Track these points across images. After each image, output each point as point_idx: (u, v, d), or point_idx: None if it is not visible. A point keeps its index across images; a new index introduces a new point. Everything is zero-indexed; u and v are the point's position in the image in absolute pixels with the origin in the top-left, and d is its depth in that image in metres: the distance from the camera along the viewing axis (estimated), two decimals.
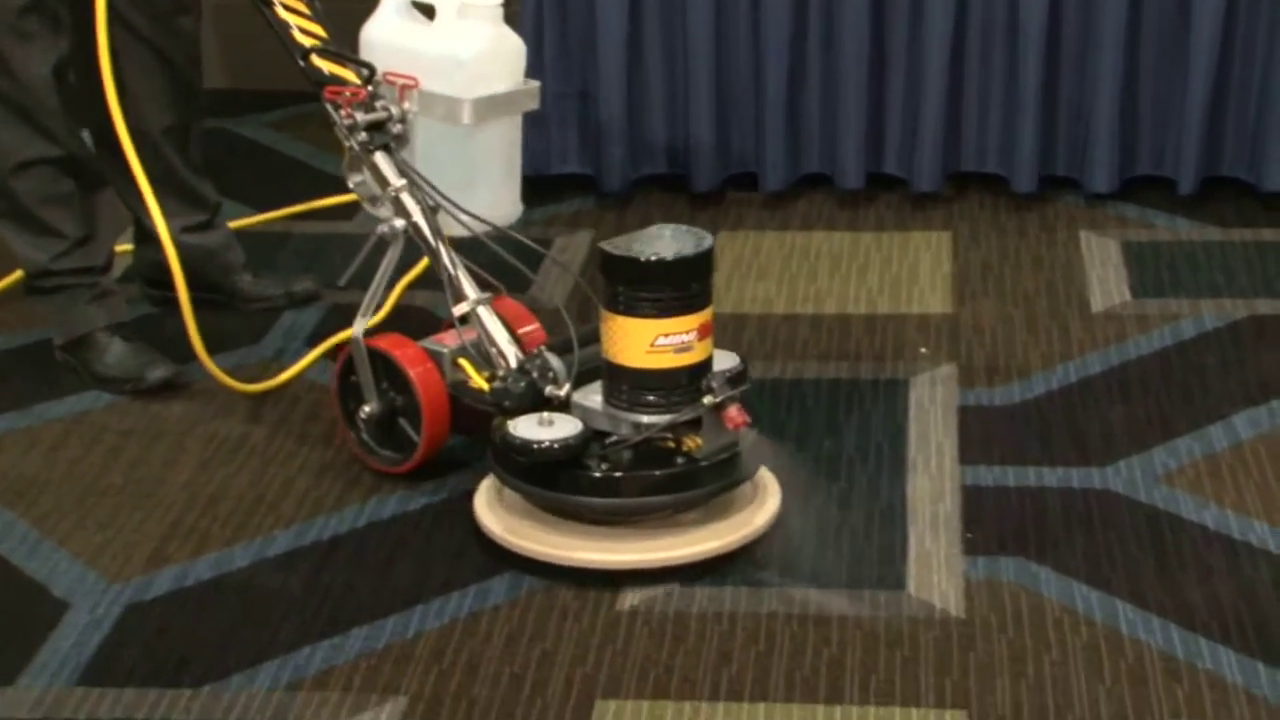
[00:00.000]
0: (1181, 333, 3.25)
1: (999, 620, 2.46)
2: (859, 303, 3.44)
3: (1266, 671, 2.32)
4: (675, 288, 2.45)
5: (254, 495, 2.86)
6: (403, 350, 2.75)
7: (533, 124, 3.94)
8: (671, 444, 2.53)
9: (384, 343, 2.77)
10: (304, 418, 3.07)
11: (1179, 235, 3.66)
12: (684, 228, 2.53)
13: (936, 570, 2.58)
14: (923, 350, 3.24)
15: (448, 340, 2.77)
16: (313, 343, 3.30)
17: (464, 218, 2.74)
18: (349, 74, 2.81)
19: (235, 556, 2.70)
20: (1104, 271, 3.52)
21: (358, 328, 2.77)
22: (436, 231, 2.72)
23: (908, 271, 3.56)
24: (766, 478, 2.68)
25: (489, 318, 2.71)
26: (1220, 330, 3.25)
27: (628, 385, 2.50)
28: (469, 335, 2.74)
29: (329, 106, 2.78)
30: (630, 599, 2.55)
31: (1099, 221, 3.74)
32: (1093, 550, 2.61)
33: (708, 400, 2.47)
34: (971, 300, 3.43)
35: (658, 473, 2.51)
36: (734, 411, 2.48)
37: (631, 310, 2.46)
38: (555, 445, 2.49)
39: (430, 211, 2.74)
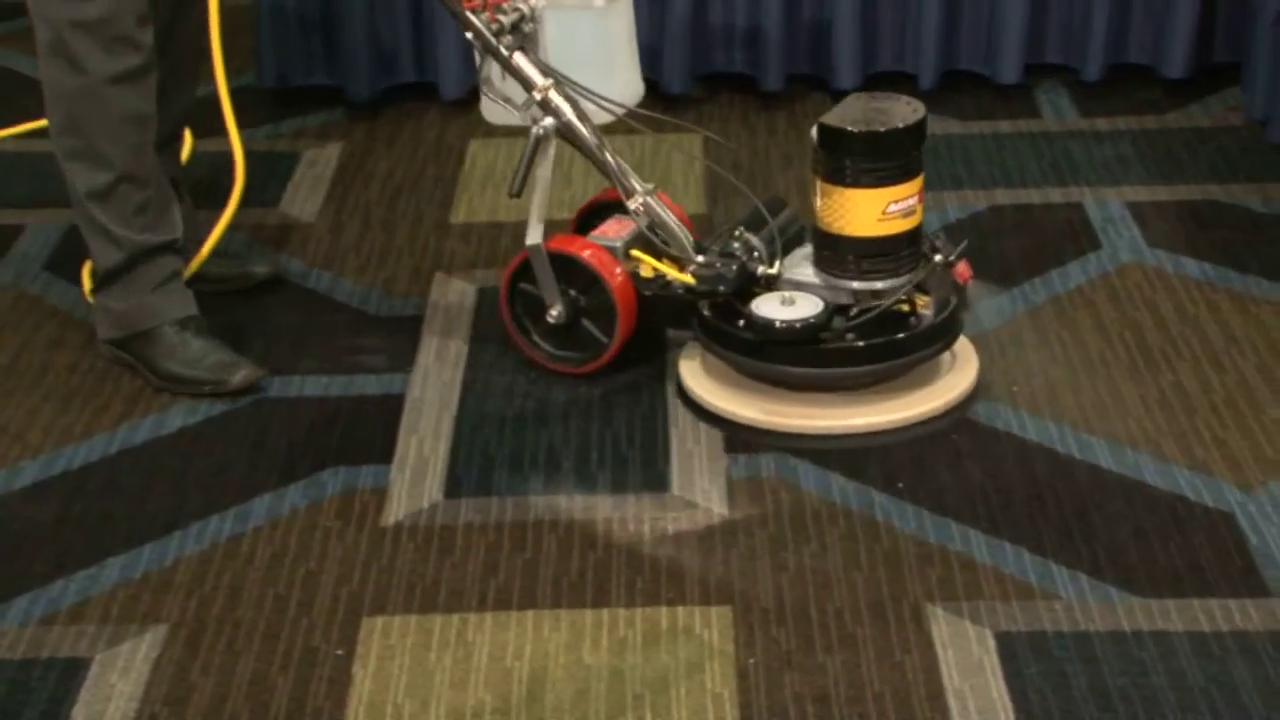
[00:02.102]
0: (926, 225, 3.29)
1: (760, 515, 2.48)
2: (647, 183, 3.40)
3: (1012, 550, 2.39)
4: (902, 156, 2.51)
5: None
6: (588, 250, 2.70)
7: (275, 37, 3.81)
8: (904, 306, 2.58)
9: (564, 244, 2.72)
10: (47, 344, 2.93)
11: None
12: (886, 95, 2.59)
13: (699, 470, 2.59)
14: (736, 221, 3.22)
15: (611, 233, 2.73)
16: (51, 268, 3.16)
17: (612, 106, 2.70)
18: None
19: None
20: None
21: (534, 235, 2.70)
22: (592, 126, 2.68)
23: (661, 172, 3.55)
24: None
25: (660, 206, 2.68)
26: (963, 221, 3.31)
27: (856, 255, 2.55)
28: (626, 227, 2.71)
29: (469, 15, 2.66)
30: (394, 513, 2.51)
31: None
32: (847, 442, 2.64)
33: (939, 259, 2.56)
34: (724, 199, 3.44)
35: (904, 335, 2.57)
36: (963, 267, 2.59)
37: (862, 182, 2.51)
38: (810, 321, 2.53)
39: (577, 106, 2.68)
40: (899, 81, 3.86)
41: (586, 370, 2.76)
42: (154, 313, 2.80)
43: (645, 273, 2.67)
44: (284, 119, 3.81)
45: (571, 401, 2.76)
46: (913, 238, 2.59)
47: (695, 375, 2.72)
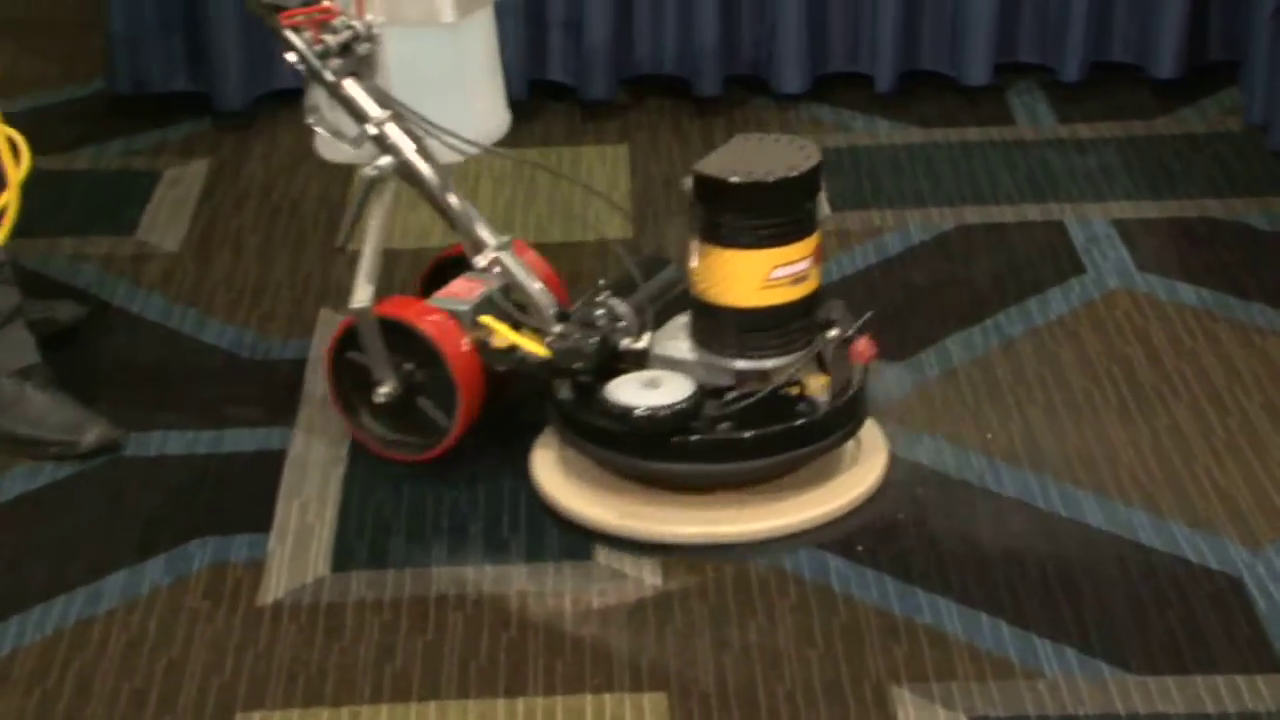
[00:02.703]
0: (886, 248, 3.33)
1: (699, 586, 2.47)
2: (527, 230, 3.41)
3: (989, 622, 2.39)
4: (791, 211, 2.39)
5: None
6: (425, 316, 2.60)
7: (130, 35, 3.79)
8: (794, 390, 2.48)
9: (397, 309, 2.62)
10: None
11: (878, 138, 3.74)
12: (779, 137, 2.49)
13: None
14: (600, 282, 3.23)
15: (458, 294, 2.63)
16: None
17: (462, 145, 2.62)
18: None
19: None
20: None
21: (362, 296, 2.60)
22: (436, 167, 2.60)
23: (580, 192, 3.55)
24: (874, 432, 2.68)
25: (516, 263, 2.62)
26: (928, 243, 3.33)
27: (736, 328, 2.43)
28: (478, 287, 2.62)
29: (289, 35, 2.58)
30: (273, 591, 2.48)
31: (791, 125, 3.80)
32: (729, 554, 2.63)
33: (833, 334, 2.45)
34: (654, 222, 3.44)
35: (791, 425, 2.46)
36: (863, 344, 2.48)
37: (742, 241, 2.39)
38: (676, 408, 2.42)
39: (420, 143, 2.61)
40: (852, 84, 3.89)
41: (425, 458, 2.65)
42: None
43: (497, 343, 2.58)
44: (140, 131, 3.78)
45: (480, 474, 2.74)
46: (805, 308, 2.47)
47: (548, 467, 2.62)
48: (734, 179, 2.38)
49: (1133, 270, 3.21)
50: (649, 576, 2.49)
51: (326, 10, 2.59)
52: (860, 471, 2.59)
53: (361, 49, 2.61)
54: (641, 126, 3.82)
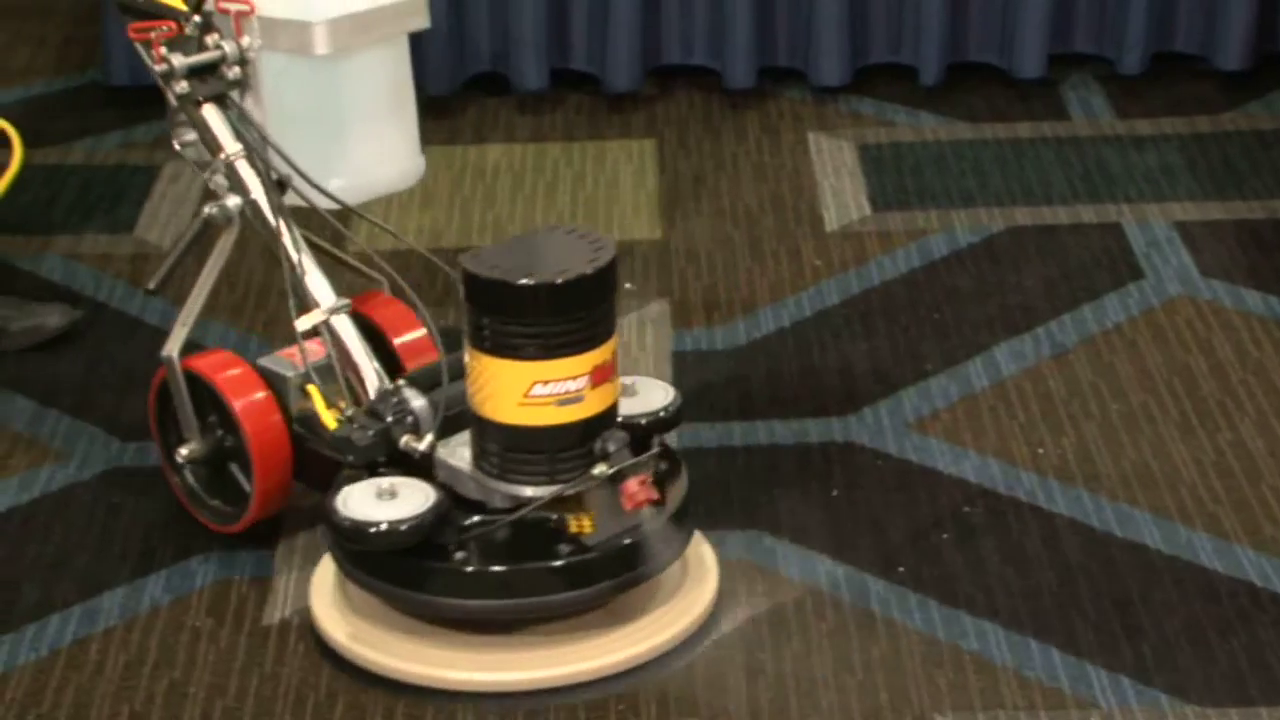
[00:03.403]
0: (931, 251, 3.35)
1: (729, 608, 2.49)
2: None
3: (1039, 649, 2.41)
4: (559, 319, 2.23)
5: None
6: (228, 375, 2.52)
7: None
8: (555, 525, 2.31)
9: (206, 365, 2.53)
10: None
11: (923, 134, 3.76)
12: (575, 230, 2.33)
13: None
14: (627, 285, 3.26)
15: (295, 356, 2.51)
16: None
17: (315, 196, 2.49)
18: (177, 0, 2.55)
19: None
20: (838, 181, 3.60)
21: (173, 343, 2.53)
22: (281, 212, 2.48)
23: (605, 189, 3.58)
24: (702, 555, 2.51)
25: (346, 332, 2.47)
26: (975, 246, 3.35)
27: (497, 445, 2.29)
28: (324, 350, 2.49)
29: (139, 48, 2.51)
30: (280, 609, 2.51)
31: (830, 120, 3.82)
32: (836, 517, 2.67)
33: (599, 470, 2.27)
34: (683, 221, 3.47)
35: (534, 565, 2.28)
36: (634, 486, 2.27)
37: (501, 349, 2.24)
38: (398, 527, 2.25)
39: (275, 185, 2.50)
40: (896, 76, 3.91)
41: (226, 530, 2.59)
42: None
43: (328, 419, 2.44)
44: (138, 123, 3.81)
45: None
46: (580, 435, 2.27)
47: (325, 572, 2.49)
48: (492, 277, 2.22)
49: (1196, 276, 3.23)
50: None
51: (164, 28, 2.50)
52: (672, 613, 2.42)
53: (231, 73, 2.52)
54: (670, 120, 3.84)
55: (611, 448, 2.28)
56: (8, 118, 3.18)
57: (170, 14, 2.52)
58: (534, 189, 3.58)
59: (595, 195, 3.56)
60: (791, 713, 2.32)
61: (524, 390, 2.25)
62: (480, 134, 3.80)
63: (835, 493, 2.72)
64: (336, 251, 2.62)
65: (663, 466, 2.38)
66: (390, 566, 2.31)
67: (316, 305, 2.49)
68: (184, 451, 2.57)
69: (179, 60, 2.51)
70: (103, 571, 2.59)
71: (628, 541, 2.31)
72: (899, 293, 3.22)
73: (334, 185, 2.50)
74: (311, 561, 2.57)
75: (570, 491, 2.28)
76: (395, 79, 2.64)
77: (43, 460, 2.83)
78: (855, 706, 2.32)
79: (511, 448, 2.29)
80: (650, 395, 2.45)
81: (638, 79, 3.88)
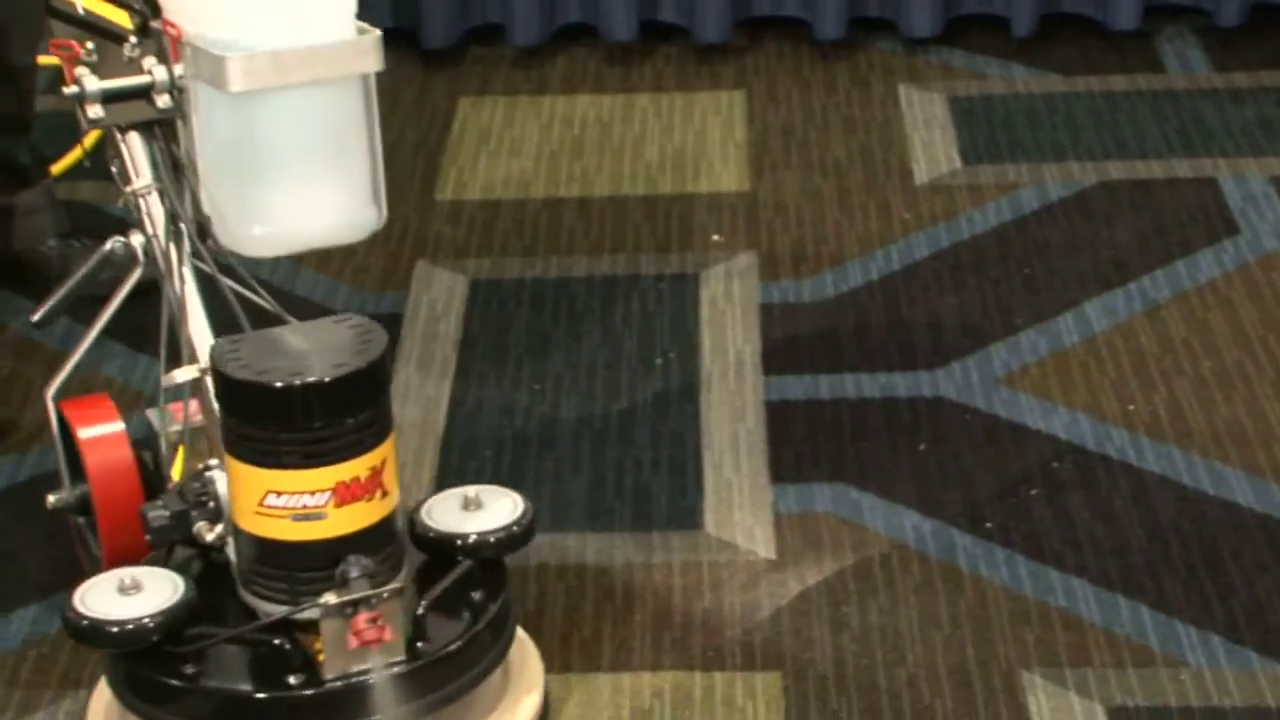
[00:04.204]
0: (1021, 205, 3.33)
1: (816, 560, 2.50)
2: (636, 181, 3.44)
3: (1128, 606, 2.40)
4: (290, 427, 2.01)
5: None
6: (90, 423, 2.33)
7: None
8: (298, 650, 2.09)
9: (77, 411, 2.36)
10: None
11: (1015, 86, 3.74)
12: (356, 322, 2.10)
13: (739, 504, 2.61)
14: (715, 237, 3.26)
15: (178, 412, 2.31)
16: None
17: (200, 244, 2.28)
18: (118, 14, 2.35)
19: None
20: (929, 134, 3.58)
21: (53, 384, 2.37)
22: (180, 256, 2.29)
23: (694, 141, 3.57)
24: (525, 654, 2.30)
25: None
26: (1067, 200, 3.33)
27: (243, 553, 2.10)
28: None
29: (65, 66, 2.31)
30: None
31: (921, 72, 3.80)
32: (923, 471, 2.66)
33: (328, 598, 2.03)
34: (772, 173, 3.46)
35: (251, 693, 2.07)
36: (359, 623, 2.04)
37: (238, 451, 2.04)
38: (121, 629, 2.04)
39: (178, 223, 2.31)
40: (988, 27, 3.88)
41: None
42: None
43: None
44: None
45: (584, 420, 2.78)
46: (323, 556, 2.04)
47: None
48: (227, 373, 2.02)
49: None
50: (761, 549, 2.52)
51: (83, 49, 2.31)
52: None
53: (162, 101, 2.30)
54: (759, 72, 3.83)
55: (353, 574, 2.03)
56: None
57: (111, 31, 2.33)
58: (622, 140, 3.58)
59: (683, 147, 3.55)
60: (877, 667, 2.32)
61: (258, 499, 2.03)
62: (570, 84, 3.80)
63: (922, 447, 2.71)
64: (257, 296, 2.36)
65: (476, 595, 2.17)
66: (117, 670, 2.12)
67: (196, 359, 2.25)
68: (51, 499, 2.38)
69: (92, 84, 2.30)
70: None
71: (361, 683, 2.07)
72: (989, 247, 3.21)
73: (256, 233, 2.26)
74: None
75: (296, 616, 2.06)
76: (338, 123, 2.31)
77: (135, 406, 2.85)
78: (941, 662, 2.32)
79: (254, 558, 2.08)
80: (497, 509, 2.22)
81: (727, 30, 3.87)
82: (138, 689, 2.10)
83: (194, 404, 2.26)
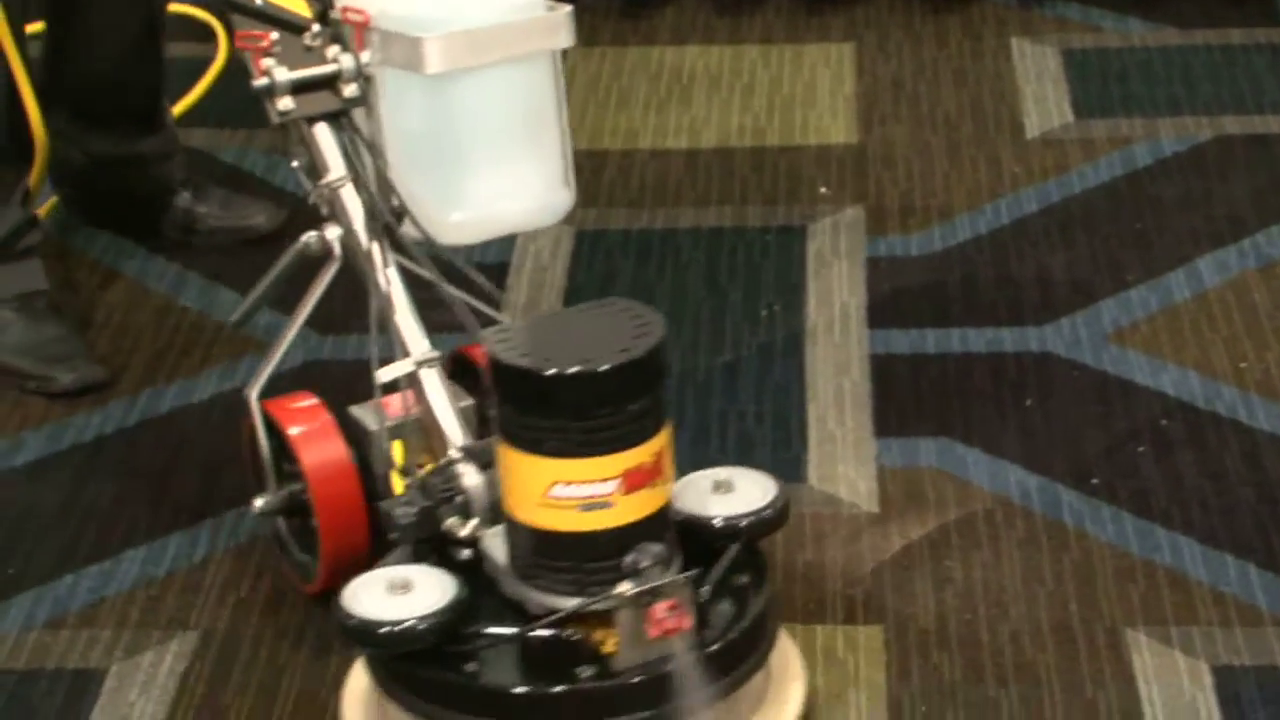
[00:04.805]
0: (1134, 159, 3.30)
1: (919, 514, 2.50)
2: (744, 133, 3.43)
3: (1235, 565, 2.39)
4: (577, 415, 1.97)
5: None
6: (302, 423, 2.31)
7: None
8: (584, 643, 2.04)
9: (283, 410, 2.33)
10: (56, 285, 3.00)
11: (1130, 39, 3.70)
12: (629, 308, 2.05)
13: (843, 457, 2.61)
14: (823, 190, 3.25)
15: (390, 406, 2.26)
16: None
17: (410, 228, 2.26)
18: (299, 5, 2.34)
19: None
20: (1040, 87, 3.56)
21: (254, 384, 2.35)
22: (382, 248, 2.27)
23: (803, 93, 3.56)
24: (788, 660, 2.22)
25: (433, 387, 2.23)
26: (1181, 155, 3.30)
27: (521, 547, 2.05)
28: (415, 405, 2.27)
29: (245, 58, 2.30)
30: None
31: (1034, 25, 3.77)
32: (1029, 426, 2.65)
33: (623, 589, 1.99)
34: (881, 126, 3.45)
35: (541, 689, 2.02)
36: (660, 611, 1.99)
37: (521, 442, 2.00)
38: (395, 630, 2.00)
39: (377, 215, 2.29)
40: None
41: (302, 589, 2.38)
42: None
43: (398, 486, 2.24)
44: None
45: (688, 372, 2.79)
46: (610, 545, 2.00)
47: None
48: (509, 361, 1.98)
49: None
50: (864, 502, 2.52)
51: (260, 38, 2.29)
52: None
53: (349, 90, 2.30)
54: (869, 24, 3.81)
55: (645, 563, 2.00)
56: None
57: (290, 22, 2.31)
58: (730, 92, 3.58)
59: (792, 98, 3.54)
60: (979, 622, 2.32)
61: (543, 490, 1.99)
62: (679, 35, 3.79)
63: (1029, 402, 2.70)
64: (451, 290, 2.32)
65: (742, 580, 2.12)
66: (401, 671, 2.07)
67: (406, 354, 2.24)
68: (258, 503, 2.35)
69: (282, 75, 2.28)
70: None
71: (657, 673, 2.01)
72: (1100, 202, 3.18)
73: (454, 220, 2.26)
74: None
75: (591, 608, 2.00)
76: (532, 102, 2.30)
77: (245, 350, 2.89)
78: (1044, 617, 2.32)
79: (536, 551, 2.03)
80: (749, 492, 2.18)
81: None
82: (416, 688, 2.05)
83: (392, 399, 2.23)
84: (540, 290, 3.01)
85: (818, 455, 2.62)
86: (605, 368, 1.95)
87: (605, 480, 1.98)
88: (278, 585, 2.42)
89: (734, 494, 2.17)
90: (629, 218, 3.19)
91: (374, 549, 2.24)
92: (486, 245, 3.11)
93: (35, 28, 3.36)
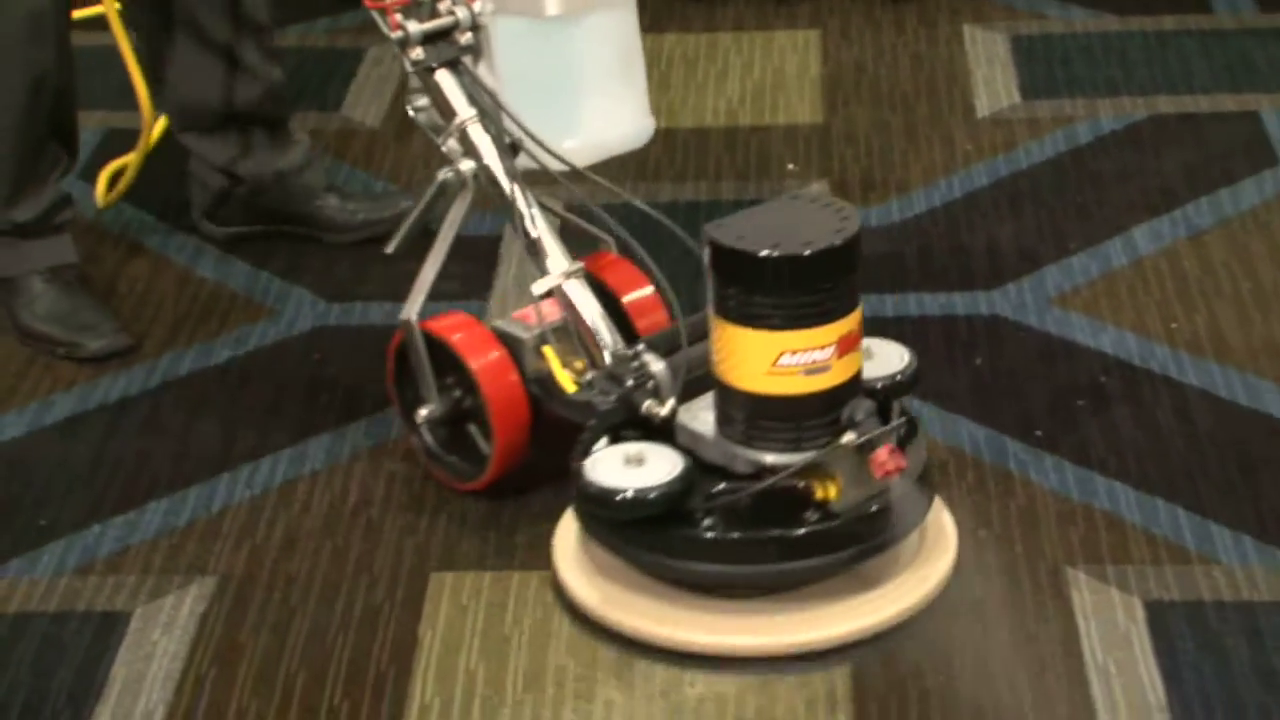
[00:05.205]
0: (1076, 137, 3.29)
1: None
2: (718, 114, 3.42)
3: (1166, 509, 2.39)
4: (803, 292, 2.07)
5: (25, 353, 2.81)
6: (466, 337, 2.38)
7: None
8: (800, 491, 2.16)
9: (443, 327, 2.40)
10: (85, 260, 2.99)
11: (1073, 26, 3.69)
12: (819, 197, 2.19)
13: None
14: (790, 167, 3.24)
15: (531, 318, 2.38)
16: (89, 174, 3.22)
17: (546, 157, 2.35)
18: None
19: (6, 425, 2.66)
20: (990, 70, 3.55)
21: (412, 306, 2.40)
22: (515, 177, 2.36)
23: (772, 77, 3.55)
24: (942, 523, 2.33)
25: (580, 295, 2.34)
26: (1118, 133, 3.29)
27: (742, 413, 2.14)
28: (560, 313, 2.37)
29: (375, 15, 2.38)
30: None
31: (984, 13, 3.76)
32: (978, 383, 2.65)
33: (848, 439, 2.12)
34: (844, 107, 3.44)
35: (779, 533, 2.13)
36: (882, 455, 2.11)
37: (748, 319, 2.09)
38: (643, 496, 2.11)
39: (508, 149, 2.38)
40: None
41: (464, 488, 2.44)
42: (22, 259, 2.81)
43: (565, 382, 2.33)
44: (345, 10, 3.83)
45: None
46: (824, 403, 2.12)
47: (568, 529, 2.34)
48: (738, 248, 2.07)
49: None
50: None
51: None
52: (913, 580, 2.24)
53: (464, 38, 2.38)
54: (834, 12, 3.80)
55: (859, 416, 2.13)
56: None
57: None
58: (705, 76, 3.56)
59: (762, 82, 3.53)
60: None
61: (771, 360, 2.09)
62: (658, 24, 3.77)
63: (979, 361, 2.70)
64: (565, 214, 2.47)
65: (903, 431, 2.21)
66: (637, 531, 2.16)
67: (548, 270, 2.35)
68: (423, 413, 2.42)
69: (414, 27, 2.37)
70: (310, 419, 2.64)
71: (874, 509, 2.15)
72: (1044, 176, 3.18)
73: (567, 147, 2.32)
74: None
75: (820, 459, 2.12)
76: (624, 40, 2.50)
77: (257, 317, 2.88)
78: (991, 557, 2.32)
79: (758, 415, 2.12)
80: (887, 358, 2.28)
81: None
82: (663, 547, 2.15)
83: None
84: (527, 262, 2.99)
85: None
86: (829, 247, 2.06)
87: (825, 347, 2.10)
88: (289, 534, 2.43)
89: (873, 360, 2.26)
90: (611, 193, 3.17)
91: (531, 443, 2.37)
92: (481, 215, 3.12)
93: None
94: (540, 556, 2.35)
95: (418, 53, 2.38)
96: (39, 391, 2.73)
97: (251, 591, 2.33)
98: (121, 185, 3.09)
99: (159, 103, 3.00)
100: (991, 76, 3.52)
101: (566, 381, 2.32)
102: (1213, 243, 2.95)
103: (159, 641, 2.25)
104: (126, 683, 2.19)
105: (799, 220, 2.12)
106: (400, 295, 2.89)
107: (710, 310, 2.13)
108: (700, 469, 2.16)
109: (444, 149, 2.41)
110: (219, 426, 2.64)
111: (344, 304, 2.90)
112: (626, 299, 2.45)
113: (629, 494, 2.12)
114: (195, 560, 2.39)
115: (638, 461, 2.15)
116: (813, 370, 2.10)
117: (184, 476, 2.54)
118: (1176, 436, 2.52)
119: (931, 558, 2.27)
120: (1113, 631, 2.20)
